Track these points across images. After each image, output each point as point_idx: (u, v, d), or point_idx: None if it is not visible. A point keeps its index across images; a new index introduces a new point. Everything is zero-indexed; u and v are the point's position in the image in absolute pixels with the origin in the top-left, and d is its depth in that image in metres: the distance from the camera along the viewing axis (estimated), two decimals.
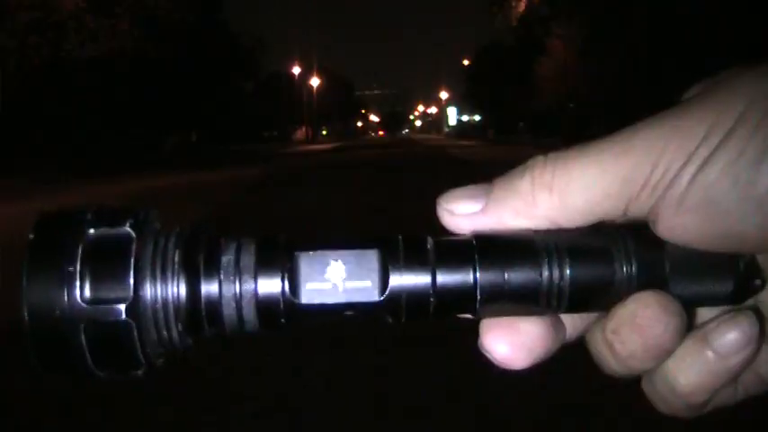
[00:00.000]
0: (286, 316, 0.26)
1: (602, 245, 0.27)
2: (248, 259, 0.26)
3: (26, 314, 0.25)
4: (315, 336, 2.38)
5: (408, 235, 0.27)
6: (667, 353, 0.26)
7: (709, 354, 0.26)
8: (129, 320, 0.25)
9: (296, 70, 46.10)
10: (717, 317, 0.27)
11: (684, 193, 0.25)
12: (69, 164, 14.09)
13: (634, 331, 0.26)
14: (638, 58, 15.89)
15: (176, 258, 0.26)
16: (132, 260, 0.25)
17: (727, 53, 12.55)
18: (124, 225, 0.26)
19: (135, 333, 0.25)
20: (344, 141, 42.81)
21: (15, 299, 0.25)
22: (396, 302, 0.26)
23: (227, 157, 18.16)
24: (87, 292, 0.25)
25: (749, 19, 12.31)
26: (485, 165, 11.81)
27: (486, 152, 17.98)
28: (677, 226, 0.26)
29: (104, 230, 0.26)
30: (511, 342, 0.27)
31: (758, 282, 0.27)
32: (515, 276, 0.26)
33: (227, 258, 0.26)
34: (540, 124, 28.13)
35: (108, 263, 0.25)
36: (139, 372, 0.26)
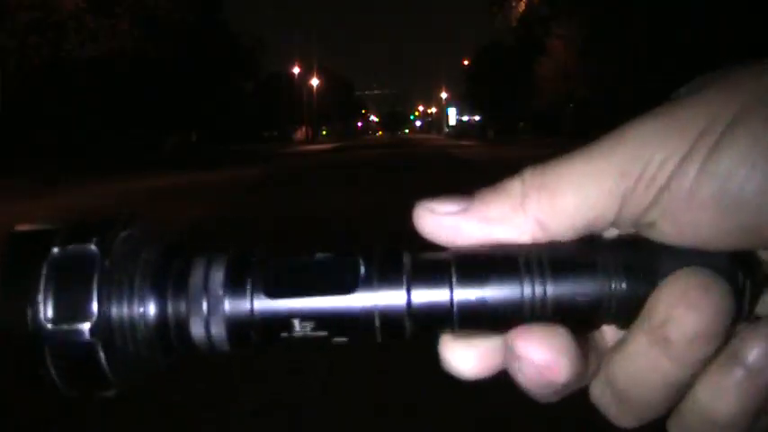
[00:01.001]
0: (256, 334, 0.25)
1: (588, 259, 0.25)
2: (217, 277, 0.25)
3: None
4: None
5: (384, 248, 0.26)
6: (722, 340, 0.23)
7: (741, 372, 0.23)
8: (94, 341, 0.24)
9: (296, 70, 46.12)
10: (736, 333, 0.24)
11: (694, 185, 0.23)
12: (69, 164, 14.10)
13: (691, 310, 0.23)
14: (638, 58, 15.90)
15: (143, 277, 0.25)
16: (96, 279, 0.24)
17: (727, 53, 12.56)
18: (89, 242, 0.25)
19: (101, 353, 0.24)
20: (344, 141, 42.82)
21: None
22: (368, 320, 0.25)
23: (227, 157, 18.16)
24: (50, 312, 0.24)
25: (749, 19, 12.31)
26: (485, 164, 11.81)
27: (486, 152, 17.98)
28: (687, 224, 0.24)
29: (69, 248, 0.25)
30: (473, 352, 0.26)
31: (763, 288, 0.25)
32: (494, 294, 0.25)
33: (195, 276, 0.25)
34: (540, 124, 28.16)
35: (71, 282, 0.24)
36: (109, 393, 0.25)
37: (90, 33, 17.21)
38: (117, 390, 0.26)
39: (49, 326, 0.24)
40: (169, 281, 0.25)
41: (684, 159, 0.23)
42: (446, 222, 0.26)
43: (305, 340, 0.26)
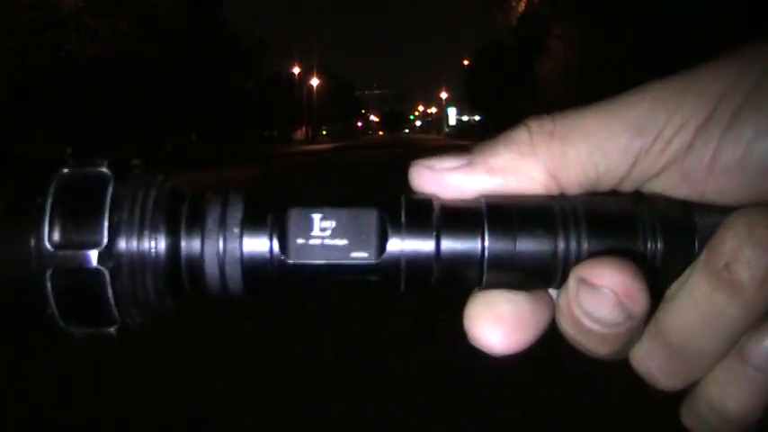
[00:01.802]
0: (273, 276, 0.24)
1: (623, 211, 0.24)
2: (235, 214, 0.24)
3: None
4: (315, 332, 2.38)
5: (412, 196, 0.25)
6: None
7: (751, 370, 0.23)
8: (102, 268, 0.22)
9: (296, 70, 46.10)
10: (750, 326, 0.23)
11: (717, 150, 0.23)
12: None
13: (760, 248, 0.21)
14: (638, 58, 15.90)
15: (157, 209, 0.23)
16: (108, 203, 0.23)
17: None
18: (102, 165, 0.23)
19: (108, 283, 0.23)
20: (344, 141, 42.85)
21: None
22: (394, 268, 0.23)
23: (228, 157, 18.15)
24: (57, 236, 0.22)
25: (750, 19, 12.31)
26: None
27: None
28: (710, 188, 0.23)
29: (80, 170, 0.23)
30: (504, 328, 0.25)
31: None
32: (528, 246, 0.23)
33: (211, 212, 0.24)
34: None
35: (81, 204, 0.23)
36: (112, 329, 0.24)
37: (90, 33, 17.20)
38: (120, 329, 0.24)
39: (54, 250, 0.22)
40: (183, 216, 0.24)
41: (706, 124, 0.23)
42: (449, 179, 0.25)
43: (323, 284, 0.24)
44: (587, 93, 20.39)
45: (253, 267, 0.23)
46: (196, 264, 0.23)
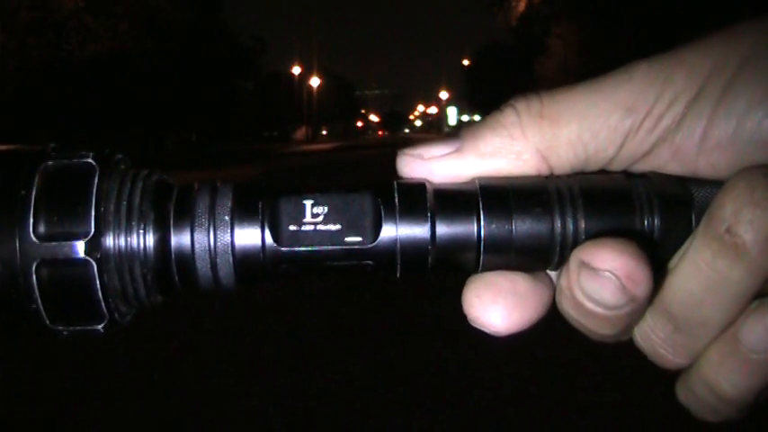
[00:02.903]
0: (266, 266, 0.23)
1: (619, 187, 0.23)
2: (225, 203, 0.23)
3: None
4: (315, 331, 2.39)
5: (405, 181, 0.24)
6: None
7: (744, 352, 0.23)
8: (89, 259, 0.22)
9: (296, 70, 46.09)
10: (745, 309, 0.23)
11: (708, 126, 0.22)
12: None
13: (761, 208, 0.21)
14: (638, 58, 15.89)
15: (145, 200, 0.23)
16: (94, 193, 0.22)
17: None
18: (86, 157, 0.22)
19: (95, 275, 0.22)
20: (344, 141, 42.81)
21: None
22: (389, 252, 0.23)
23: (227, 157, 18.16)
24: (42, 228, 0.21)
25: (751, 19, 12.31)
26: None
27: None
28: (702, 164, 0.23)
29: (64, 161, 0.22)
30: (504, 306, 0.24)
31: None
32: (524, 226, 0.23)
33: (201, 202, 0.23)
34: None
35: (66, 195, 0.22)
36: (100, 326, 0.23)
37: (90, 33, 17.21)
38: (108, 326, 0.23)
39: (39, 242, 0.21)
40: (171, 204, 0.23)
41: (696, 99, 0.22)
42: (439, 166, 0.24)
43: (317, 271, 0.23)
44: None
45: (245, 257, 0.23)
46: (186, 255, 0.23)
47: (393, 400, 1.86)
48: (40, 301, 0.22)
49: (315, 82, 49.66)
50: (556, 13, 23.08)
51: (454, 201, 0.23)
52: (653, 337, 0.24)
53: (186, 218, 0.23)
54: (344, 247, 0.23)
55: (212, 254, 0.22)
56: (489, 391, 1.86)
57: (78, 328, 0.22)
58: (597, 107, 0.23)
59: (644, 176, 0.24)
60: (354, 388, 1.95)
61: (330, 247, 0.23)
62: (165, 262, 0.23)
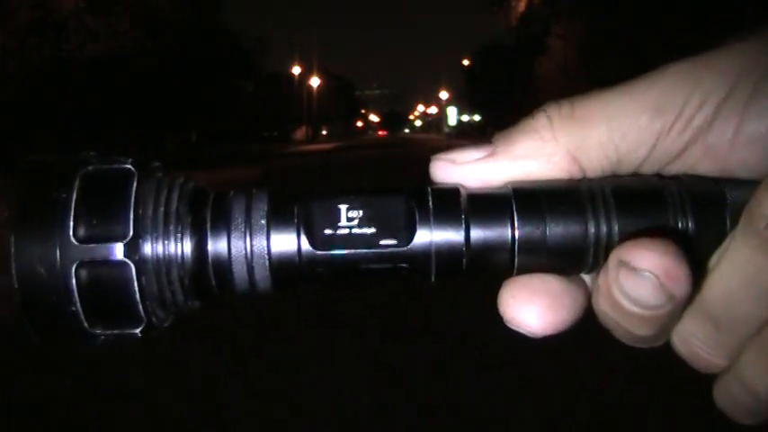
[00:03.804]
0: (302, 270, 0.23)
1: (651, 188, 0.23)
2: (261, 207, 0.23)
3: (12, 256, 0.21)
4: (315, 330, 2.38)
5: (439, 185, 0.24)
6: None
7: None
8: (128, 261, 0.22)
9: (296, 70, 46.11)
10: None
11: (739, 123, 0.23)
12: None
13: None
14: (638, 58, 15.90)
15: (182, 205, 0.23)
16: (133, 197, 0.22)
17: None
18: (125, 162, 0.23)
19: (133, 277, 0.22)
20: (345, 141, 42.86)
21: None
22: (424, 255, 0.23)
23: (228, 157, 18.16)
24: (81, 230, 0.22)
25: (752, 19, 12.31)
26: None
27: None
28: (734, 162, 0.23)
29: (104, 167, 0.23)
30: (539, 306, 0.25)
31: None
32: (558, 230, 0.23)
33: (237, 207, 0.23)
34: None
35: (105, 198, 0.22)
36: (138, 330, 0.23)
37: (90, 33, 17.21)
38: (145, 329, 0.23)
39: (79, 244, 0.22)
40: (208, 210, 0.23)
41: (727, 99, 0.23)
42: (472, 170, 0.25)
43: (353, 275, 0.23)
44: (587, 93, 20.33)
45: (281, 262, 0.23)
46: (223, 261, 0.23)
47: (395, 401, 1.86)
48: (78, 303, 0.22)
49: (315, 82, 49.67)
50: (556, 13, 23.08)
51: (488, 204, 0.23)
52: (692, 339, 0.24)
53: (223, 223, 0.23)
54: (379, 250, 0.23)
55: (249, 258, 0.23)
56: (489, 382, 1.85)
57: (116, 331, 0.23)
58: (627, 108, 0.24)
59: (676, 177, 0.24)
60: (358, 387, 1.94)
61: (365, 251, 0.23)
62: (202, 266, 0.23)
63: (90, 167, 0.23)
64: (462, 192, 0.24)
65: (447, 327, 2.33)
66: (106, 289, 0.22)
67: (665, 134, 0.24)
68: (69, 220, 0.22)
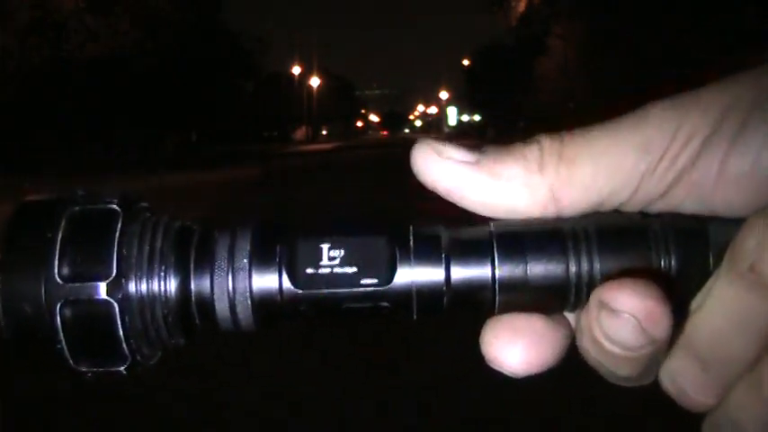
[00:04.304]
0: (284, 309, 0.24)
1: (633, 226, 0.23)
2: (243, 251, 0.24)
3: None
4: (315, 327, 2.39)
5: (420, 224, 0.25)
6: None
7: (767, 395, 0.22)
8: (111, 300, 0.22)
9: (296, 70, 46.15)
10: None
11: (724, 161, 0.22)
12: (69, 164, 14.09)
13: None
14: (638, 58, 15.90)
15: (166, 244, 0.24)
16: (117, 236, 0.23)
17: (731, 53, 12.53)
18: (111, 203, 0.23)
19: (117, 317, 0.22)
20: (345, 141, 42.88)
21: None
22: (405, 294, 0.23)
23: (228, 157, 18.17)
24: (66, 270, 0.22)
25: (753, 19, 12.30)
26: None
27: None
28: (719, 200, 0.23)
29: (89, 207, 0.23)
30: (522, 345, 0.25)
31: None
32: (539, 270, 0.23)
33: (220, 247, 0.24)
34: (541, 123, 28.17)
35: (90, 238, 0.23)
36: (123, 368, 0.23)
37: (90, 33, 17.22)
38: (130, 366, 0.23)
39: (63, 283, 0.22)
40: (192, 249, 0.24)
41: (712, 136, 0.23)
42: (453, 171, 0.24)
43: (334, 313, 0.24)
44: (587, 93, 20.40)
45: (263, 301, 0.23)
46: (206, 299, 0.23)
47: (396, 401, 1.86)
48: (63, 341, 0.22)
49: (315, 82, 49.71)
50: (556, 13, 23.09)
51: (468, 243, 0.24)
52: (680, 378, 0.24)
53: (206, 262, 0.23)
54: (360, 289, 0.23)
55: (231, 297, 0.23)
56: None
57: (101, 369, 0.23)
58: (613, 148, 0.24)
59: (659, 216, 0.24)
60: (358, 388, 1.95)
61: (347, 290, 0.23)
62: (186, 305, 0.23)
63: (77, 208, 0.23)
64: (443, 232, 0.24)
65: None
66: (90, 327, 0.22)
67: (650, 174, 0.23)
68: (54, 260, 0.22)
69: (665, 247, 0.23)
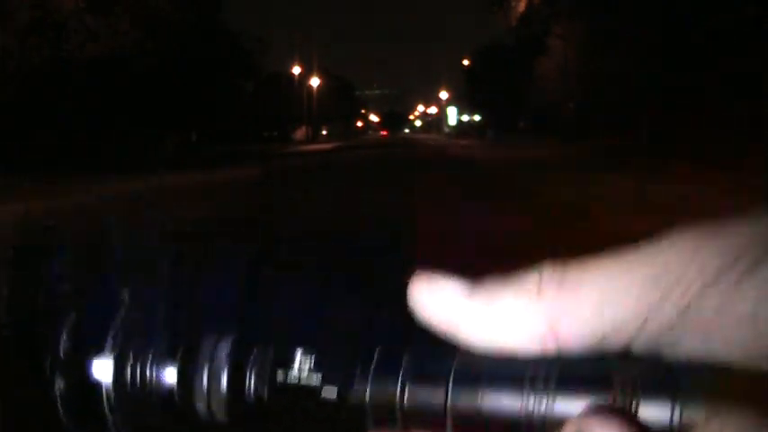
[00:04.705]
0: (256, 410, 0.26)
1: (601, 375, 0.23)
2: (222, 356, 0.26)
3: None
4: None
5: (385, 344, 0.25)
6: None
7: None
8: (101, 381, 0.26)
9: (296, 70, 46.21)
10: None
11: (728, 301, 0.22)
12: (70, 164, 14.11)
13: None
14: (638, 58, 15.91)
15: (156, 343, 0.27)
16: (115, 323, 0.27)
17: (730, 53, 12.54)
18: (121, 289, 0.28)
19: (104, 395, 0.26)
20: (345, 141, 42.87)
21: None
22: (359, 410, 0.25)
23: (228, 157, 18.19)
24: (67, 345, 0.27)
25: (754, 18, 12.30)
26: (486, 165, 11.79)
27: (486, 152, 17.99)
28: (719, 342, 0.22)
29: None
30: None
31: None
32: (492, 403, 0.23)
33: (204, 349, 0.27)
34: (540, 124, 28.16)
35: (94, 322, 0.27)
36: None
37: (90, 33, 17.23)
38: None
39: (65, 357, 0.27)
40: (179, 351, 0.27)
41: (719, 275, 0.22)
42: (447, 305, 0.24)
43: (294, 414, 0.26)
44: (587, 93, 20.39)
45: (236, 403, 0.26)
46: (187, 398, 0.26)
47: None
48: (60, 408, 0.28)
49: (315, 82, 49.74)
50: (556, 13, 23.12)
51: (426, 369, 0.24)
52: None
53: (190, 366, 0.27)
54: (320, 398, 0.25)
55: (208, 400, 0.26)
56: None
57: None
58: (619, 281, 0.22)
59: (632, 360, 0.23)
60: None
61: (306, 402, 0.25)
62: (170, 400, 0.27)
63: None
64: (407, 352, 0.25)
65: None
66: (82, 402, 0.27)
67: (659, 307, 0.22)
68: (60, 338, 0.27)
69: (631, 396, 0.22)
